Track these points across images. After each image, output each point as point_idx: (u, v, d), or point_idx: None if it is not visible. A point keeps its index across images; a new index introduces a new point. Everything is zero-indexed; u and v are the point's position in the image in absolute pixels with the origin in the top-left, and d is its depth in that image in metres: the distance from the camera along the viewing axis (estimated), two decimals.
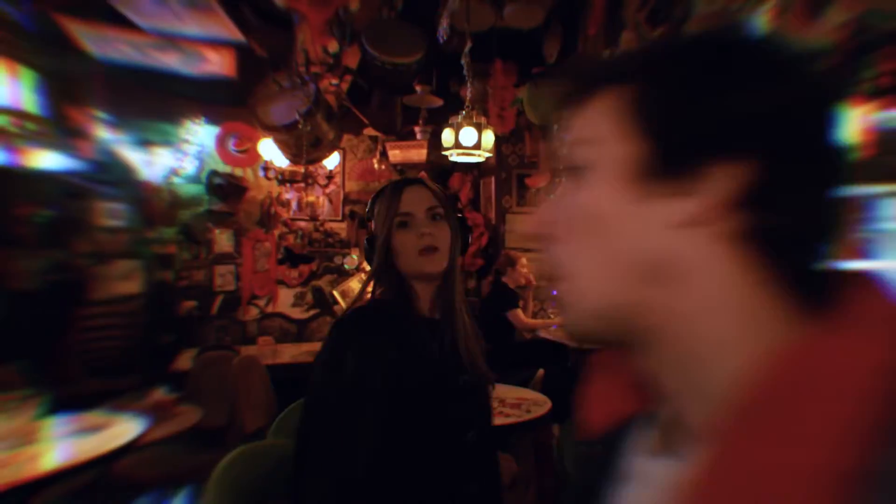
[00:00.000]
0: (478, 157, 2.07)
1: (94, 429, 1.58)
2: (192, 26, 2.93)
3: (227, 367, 3.01)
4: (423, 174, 4.93)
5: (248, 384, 2.84)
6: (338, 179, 4.93)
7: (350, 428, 0.92)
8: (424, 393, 0.98)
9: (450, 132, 2.04)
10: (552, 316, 3.78)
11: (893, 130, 2.74)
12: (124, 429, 1.60)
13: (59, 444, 1.46)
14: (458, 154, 2.05)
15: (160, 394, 2.34)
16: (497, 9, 1.96)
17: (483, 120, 2.05)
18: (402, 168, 5.01)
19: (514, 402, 1.86)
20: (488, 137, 2.06)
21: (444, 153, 2.11)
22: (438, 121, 4.03)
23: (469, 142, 1.96)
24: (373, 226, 1.09)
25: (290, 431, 1.80)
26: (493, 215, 4.57)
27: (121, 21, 2.86)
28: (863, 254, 4.18)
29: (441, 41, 1.96)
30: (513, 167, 4.47)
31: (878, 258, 3.87)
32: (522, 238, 4.57)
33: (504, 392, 2.00)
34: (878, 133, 2.77)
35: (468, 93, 2.03)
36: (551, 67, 2.31)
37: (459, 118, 2.00)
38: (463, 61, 1.86)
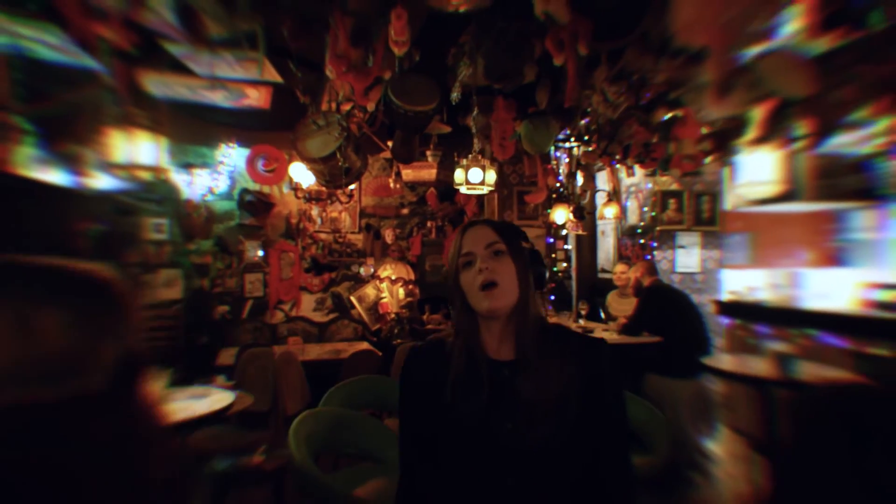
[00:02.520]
0: (482, 191, 2.57)
1: (202, 396, 2.11)
2: (241, 73, 3.47)
3: (268, 361, 3.51)
4: (431, 191, 5.44)
5: (287, 375, 3.33)
6: (355, 195, 5.46)
7: (402, 441, 1.08)
8: (456, 434, 1.00)
9: (460, 171, 2.56)
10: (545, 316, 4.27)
11: (833, 157, 3.23)
12: (221, 397, 2.12)
13: (185, 404, 2.00)
14: (467, 188, 2.55)
15: (222, 380, 2.84)
16: None
17: (486, 162, 2.56)
18: (414, 185, 5.52)
19: None
20: (490, 175, 2.57)
21: (455, 187, 2.61)
22: (447, 144, 4.55)
23: (476, 179, 2.47)
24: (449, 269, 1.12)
25: (335, 403, 2.29)
26: None
27: (180, 68, 3.40)
28: (837, 261, 4.66)
29: (454, 104, 2.47)
30: (514, 185, 4.98)
31: (850, 265, 4.34)
32: None
33: None
34: (822, 160, 3.26)
35: (475, 143, 2.53)
36: (542, 111, 2.82)
37: (468, 161, 2.51)
38: (472, 123, 2.35)
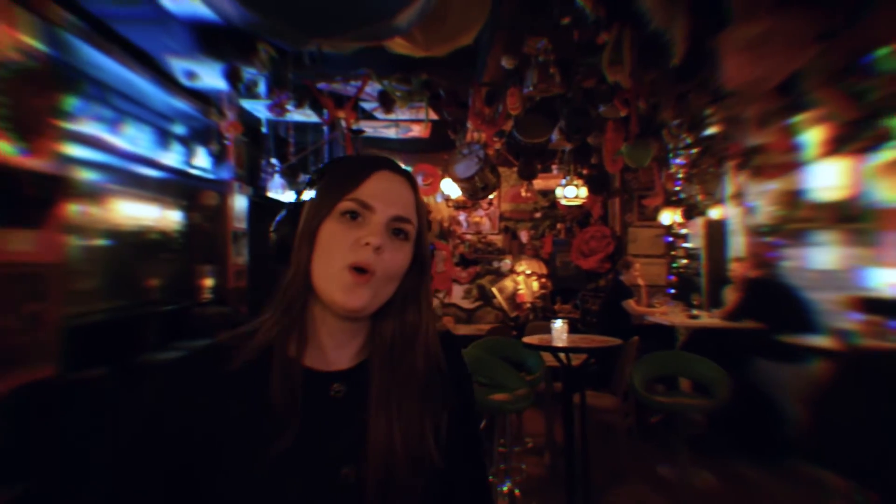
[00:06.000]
0: (576, 202, 3.39)
1: None
2: (410, 114, 4.74)
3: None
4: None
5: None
6: (495, 202, 6.51)
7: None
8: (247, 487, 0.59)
9: (560, 189, 3.41)
10: (656, 305, 4.80)
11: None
12: None
13: None
14: (566, 201, 3.40)
15: None
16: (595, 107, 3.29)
17: (580, 182, 3.38)
18: (546, 192, 6.38)
19: (601, 341, 3.04)
20: (582, 191, 3.39)
21: (556, 199, 3.45)
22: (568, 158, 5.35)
23: (571, 195, 3.30)
24: (306, 206, 0.67)
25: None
26: (618, 228, 5.69)
27: (367, 115, 4.78)
28: None
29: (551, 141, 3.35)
30: (634, 190, 5.56)
31: None
32: (640, 246, 5.61)
33: (594, 337, 3.19)
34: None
35: (571, 166, 3.37)
36: (638, 134, 3.52)
37: (565, 182, 3.36)
38: (562, 159, 3.18)
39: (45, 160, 2.16)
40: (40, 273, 2.19)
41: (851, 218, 5.54)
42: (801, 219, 5.47)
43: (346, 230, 0.63)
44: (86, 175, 2.87)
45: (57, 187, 2.22)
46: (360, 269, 0.62)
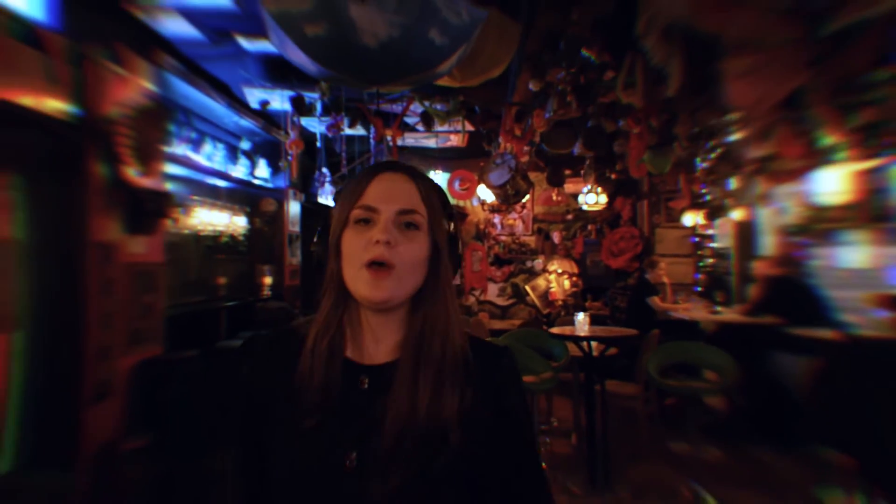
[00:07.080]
0: (597, 207, 3.73)
1: None
2: (448, 126, 5.15)
3: (466, 324, 5.10)
4: None
5: (479, 335, 4.89)
6: (529, 205, 6.84)
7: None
8: (283, 466, 0.69)
9: (582, 196, 3.76)
10: (680, 302, 5.03)
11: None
12: None
13: None
14: (587, 207, 3.74)
15: None
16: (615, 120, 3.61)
17: (599, 188, 3.71)
18: (576, 195, 6.67)
19: (619, 331, 3.37)
20: (602, 198, 3.72)
21: (578, 203, 3.79)
22: (596, 164, 5.63)
23: (591, 201, 3.65)
24: (332, 219, 0.76)
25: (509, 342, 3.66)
26: (646, 229, 5.93)
27: (409, 128, 5.22)
28: None
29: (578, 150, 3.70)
30: (662, 193, 5.79)
31: None
32: (668, 247, 5.84)
33: (614, 329, 3.53)
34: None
35: (592, 173, 3.71)
36: (659, 143, 3.81)
37: (586, 189, 3.71)
38: (586, 171, 3.53)
39: (155, 179, 2.68)
40: (151, 271, 2.72)
41: (883, 218, 5.61)
42: (829, 219, 5.58)
43: (360, 234, 0.70)
44: (176, 188, 3.42)
45: (163, 201, 2.74)
46: (377, 265, 0.68)
